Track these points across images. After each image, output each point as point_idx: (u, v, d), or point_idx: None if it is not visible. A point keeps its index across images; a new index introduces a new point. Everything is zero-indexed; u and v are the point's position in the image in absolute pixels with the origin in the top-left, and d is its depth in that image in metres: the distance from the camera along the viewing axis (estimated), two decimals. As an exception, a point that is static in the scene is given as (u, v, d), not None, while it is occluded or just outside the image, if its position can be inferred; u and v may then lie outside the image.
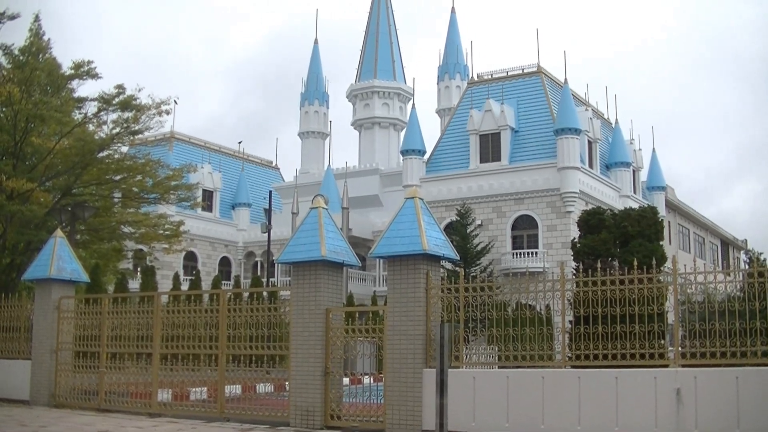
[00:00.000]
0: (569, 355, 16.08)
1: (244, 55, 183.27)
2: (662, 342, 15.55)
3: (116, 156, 37.89)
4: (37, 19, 37.32)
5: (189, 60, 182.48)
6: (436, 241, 17.53)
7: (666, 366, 15.21)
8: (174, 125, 73.47)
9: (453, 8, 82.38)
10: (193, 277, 46.66)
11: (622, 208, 34.38)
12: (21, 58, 35.40)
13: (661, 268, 17.45)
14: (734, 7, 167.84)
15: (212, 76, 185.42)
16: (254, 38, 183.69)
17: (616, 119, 67.57)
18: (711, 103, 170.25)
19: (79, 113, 36.85)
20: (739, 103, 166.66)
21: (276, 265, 61.87)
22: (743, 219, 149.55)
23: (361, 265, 21.57)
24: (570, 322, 17.09)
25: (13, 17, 34.01)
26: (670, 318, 16.07)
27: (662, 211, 64.57)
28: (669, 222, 71.08)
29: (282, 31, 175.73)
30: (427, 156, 64.92)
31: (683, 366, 15.03)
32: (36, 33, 37.11)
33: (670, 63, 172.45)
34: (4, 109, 33.42)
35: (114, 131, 36.00)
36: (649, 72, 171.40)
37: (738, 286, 15.63)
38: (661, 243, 30.13)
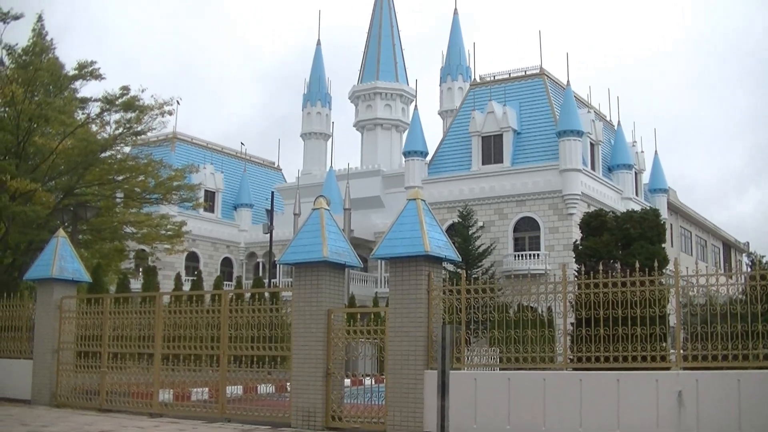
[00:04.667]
0: (571, 357, 16.09)
1: (274, 62, 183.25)
2: (664, 344, 15.54)
3: (118, 156, 37.90)
4: (40, 19, 37.31)
5: (221, 67, 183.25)
6: (437, 243, 17.54)
7: (668, 368, 15.21)
8: (176, 125, 73.40)
9: (456, 10, 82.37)
10: (195, 278, 46.56)
11: (624, 211, 34.34)
12: (24, 58, 35.41)
13: (663, 271, 17.44)
14: (745, 10, 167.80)
15: (242, 82, 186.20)
16: (287, 45, 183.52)
17: (619, 121, 67.49)
18: (723, 107, 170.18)
19: (82, 113, 36.88)
20: (752, 106, 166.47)
21: (278, 265, 61.86)
22: (757, 223, 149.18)
23: (362, 266, 21.60)
24: (572, 324, 17.08)
25: (17, 17, 34.10)
26: (672, 320, 16.07)
27: (664, 213, 64.57)
28: (671, 224, 71.10)
29: (309, 39, 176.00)
30: (429, 157, 64.81)
31: (685, 368, 15.03)
32: (39, 33, 37.06)
33: (678, 66, 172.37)
34: (7, 109, 33.41)
35: (117, 132, 36.02)
36: (657, 75, 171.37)
37: (740, 289, 15.64)
38: (663, 245, 30.07)
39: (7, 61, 35.75)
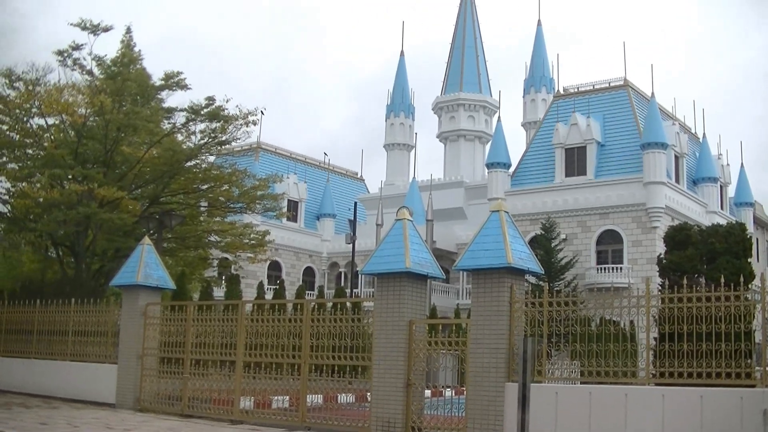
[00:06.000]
0: (653, 372, 15.89)
1: (364, 74, 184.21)
2: (749, 361, 15.28)
3: (203, 165, 38.37)
4: (128, 31, 37.96)
5: (311, 80, 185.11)
6: (520, 255, 17.46)
7: (753, 386, 14.94)
8: (262, 136, 74.09)
9: (539, 21, 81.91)
10: (277, 287, 46.88)
11: (709, 224, 33.89)
12: (113, 69, 36.08)
13: (749, 286, 17.17)
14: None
15: (332, 95, 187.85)
16: (376, 58, 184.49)
17: (704, 134, 66.67)
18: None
19: (168, 123, 37.40)
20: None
21: (360, 276, 62.10)
22: None
23: (444, 277, 21.59)
24: (654, 338, 16.89)
25: (106, 29, 34.79)
26: (758, 337, 15.80)
27: (750, 227, 63.49)
28: (757, 239, 69.88)
29: (395, 51, 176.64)
30: (512, 169, 64.65)
31: (770, 386, 14.76)
32: (127, 45, 37.73)
33: (764, 76, 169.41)
34: (96, 118, 34.02)
35: (202, 141, 36.48)
36: (742, 85, 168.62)
37: (829, 305, 15.32)
38: (749, 260, 29.64)
39: (96, 71, 36.46)
